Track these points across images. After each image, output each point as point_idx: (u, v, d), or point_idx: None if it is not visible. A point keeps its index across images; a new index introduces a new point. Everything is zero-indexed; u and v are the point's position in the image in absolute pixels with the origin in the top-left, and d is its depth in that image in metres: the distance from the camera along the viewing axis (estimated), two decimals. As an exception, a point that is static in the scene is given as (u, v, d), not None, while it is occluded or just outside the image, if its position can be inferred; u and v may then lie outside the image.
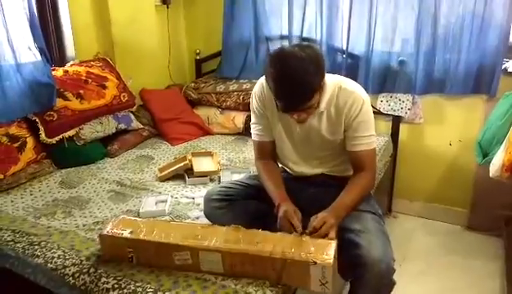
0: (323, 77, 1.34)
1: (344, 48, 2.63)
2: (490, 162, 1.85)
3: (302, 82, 1.25)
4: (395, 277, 1.38)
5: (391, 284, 1.38)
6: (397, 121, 2.65)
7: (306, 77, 1.25)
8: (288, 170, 1.69)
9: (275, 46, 2.86)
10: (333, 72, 2.54)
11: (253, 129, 1.63)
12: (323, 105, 1.42)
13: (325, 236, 1.29)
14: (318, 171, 1.61)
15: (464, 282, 2.15)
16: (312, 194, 1.59)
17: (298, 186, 1.60)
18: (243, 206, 1.56)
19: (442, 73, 2.43)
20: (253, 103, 1.59)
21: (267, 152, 1.64)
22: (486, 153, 2.00)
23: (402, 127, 2.67)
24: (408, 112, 2.58)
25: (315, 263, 1.20)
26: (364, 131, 1.46)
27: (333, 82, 1.45)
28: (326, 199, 1.44)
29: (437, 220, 2.71)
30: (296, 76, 1.24)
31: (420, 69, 2.44)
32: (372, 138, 1.48)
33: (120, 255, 1.39)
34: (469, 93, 2.40)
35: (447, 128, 2.56)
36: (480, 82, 2.35)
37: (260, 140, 1.62)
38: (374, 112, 2.58)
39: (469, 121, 2.48)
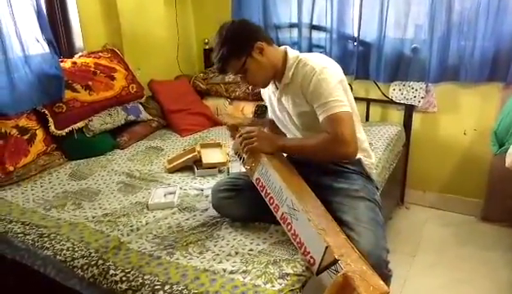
0: (241, 46, 1.47)
1: (356, 35, 2.57)
2: (506, 151, 1.80)
3: (220, 50, 1.47)
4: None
5: (385, 276, 1.33)
6: (409, 110, 2.59)
7: (223, 48, 1.46)
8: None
9: (284, 34, 2.81)
10: (344, 60, 2.59)
11: None
12: (287, 79, 1.52)
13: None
14: None
15: (479, 274, 2.11)
16: (314, 182, 1.55)
17: (303, 171, 1.57)
18: (251, 196, 1.53)
19: (457, 61, 2.36)
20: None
21: None
22: (502, 142, 1.94)
23: (415, 116, 2.62)
24: (421, 100, 2.52)
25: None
26: (321, 99, 1.41)
27: (293, 56, 1.53)
28: (329, 186, 1.44)
29: (451, 211, 2.66)
30: (216, 46, 1.49)
31: (434, 57, 2.38)
32: (332, 103, 1.40)
33: None
34: (484, 81, 2.33)
35: (462, 117, 2.50)
36: (496, 70, 2.29)
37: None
38: (385, 101, 2.63)
39: (485, 109, 2.41)
